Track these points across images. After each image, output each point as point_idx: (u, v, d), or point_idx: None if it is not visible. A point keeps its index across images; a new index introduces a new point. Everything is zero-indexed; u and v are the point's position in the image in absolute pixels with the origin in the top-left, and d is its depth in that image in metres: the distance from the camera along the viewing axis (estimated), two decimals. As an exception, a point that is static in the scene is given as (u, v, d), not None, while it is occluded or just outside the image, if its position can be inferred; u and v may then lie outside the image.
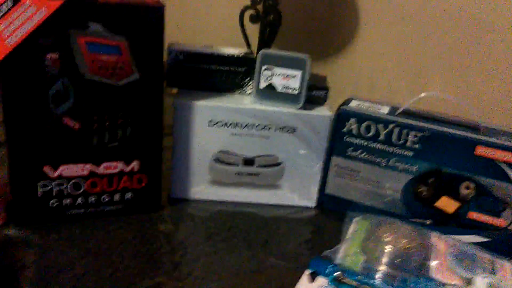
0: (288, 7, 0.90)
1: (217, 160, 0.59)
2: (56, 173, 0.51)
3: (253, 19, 0.84)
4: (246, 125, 0.58)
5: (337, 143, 0.59)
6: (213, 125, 0.57)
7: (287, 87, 0.58)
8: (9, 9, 0.44)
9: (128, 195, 0.55)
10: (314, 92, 0.61)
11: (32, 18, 0.44)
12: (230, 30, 0.90)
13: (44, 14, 0.45)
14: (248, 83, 0.61)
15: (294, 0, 0.92)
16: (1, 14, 0.44)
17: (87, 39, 0.47)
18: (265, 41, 0.86)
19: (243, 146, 0.59)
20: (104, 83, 0.49)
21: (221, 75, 0.61)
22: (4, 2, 0.44)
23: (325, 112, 0.59)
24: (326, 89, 0.61)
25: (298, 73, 0.58)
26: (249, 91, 0.61)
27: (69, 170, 0.51)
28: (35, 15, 0.44)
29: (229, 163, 0.59)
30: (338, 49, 0.90)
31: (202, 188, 0.60)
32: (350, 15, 0.87)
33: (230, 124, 0.58)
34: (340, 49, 0.90)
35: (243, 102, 0.58)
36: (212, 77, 0.60)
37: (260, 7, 0.83)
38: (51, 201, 0.52)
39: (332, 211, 0.61)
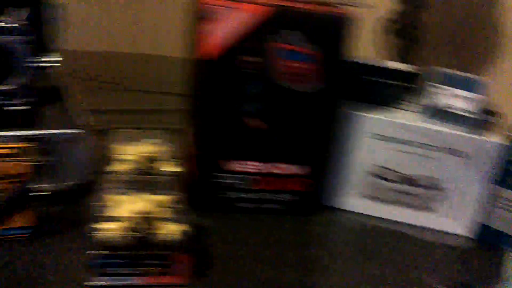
0: (432, 22, 0.87)
1: (375, 174, 0.58)
2: (233, 167, 0.54)
3: (398, 34, 0.83)
4: (410, 142, 0.56)
5: (505, 173, 0.56)
6: (376, 138, 0.57)
7: (458, 108, 0.56)
8: (225, 14, 0.46)
9: (291, 196, 0.57)
10: (484, 116, 0.58)
11: (243, 23, 0.47)
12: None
13: (256, 19, 0.47)
14: (411, 99, 0.60)
15: (439, 14, 0.89)
16: (219, 17, 0.46)
17: (282, 46, 0.48)
18: (405, 56, 0.84)
19: (404, 163, 0.57)
20: (292, 89, 0.50)
21: (385, 88, 0.60)
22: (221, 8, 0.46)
23: (496, 138, 0.56)
24: (496, 114, 0.58)
25: (472, 96, 0.56)
26: (410, 108, 0.60)
27: (244, 166, 0.54)
28: (246, 20, 0.47)
29: (387, 179, 0.58)
30: (483, 69, 0.85)
31: (354, 200, 0.60)
32: (501, 33, 0.81)
33: (394, 139, 0.56)
34: (487, 69, 0.85)
35: (409, 118, 0.57)
36: (376, 90, 0.59)
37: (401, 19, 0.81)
38: (224, 193, 0.55)
39: (490, 244, 0.58)
